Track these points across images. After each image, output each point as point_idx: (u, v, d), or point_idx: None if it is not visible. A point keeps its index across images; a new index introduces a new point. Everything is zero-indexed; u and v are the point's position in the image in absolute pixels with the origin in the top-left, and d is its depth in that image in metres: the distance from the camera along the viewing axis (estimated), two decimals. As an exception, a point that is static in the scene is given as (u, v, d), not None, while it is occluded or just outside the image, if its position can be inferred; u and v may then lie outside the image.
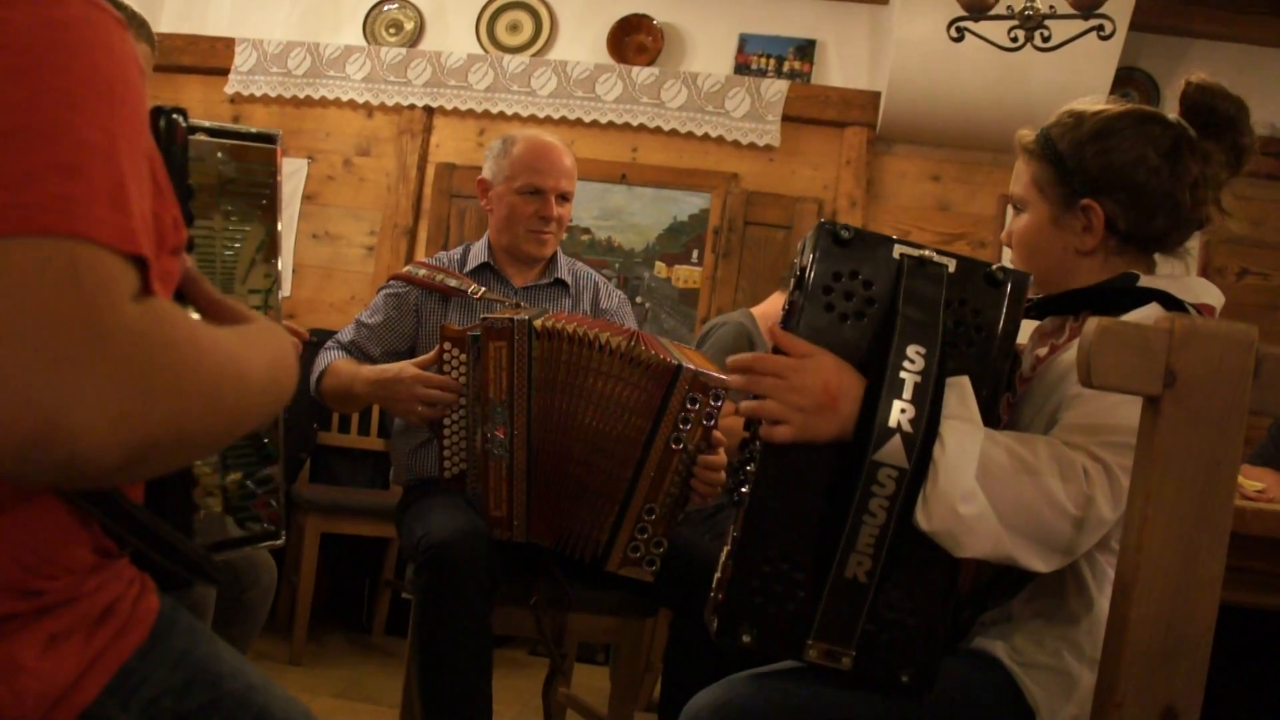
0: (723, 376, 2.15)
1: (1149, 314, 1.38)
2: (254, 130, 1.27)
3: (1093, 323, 1.02)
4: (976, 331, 1.33)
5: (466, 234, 4.62)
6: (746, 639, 1.33)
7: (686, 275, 4.63)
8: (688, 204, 4.65)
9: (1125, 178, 1.47)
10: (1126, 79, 4.35)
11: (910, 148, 4.59)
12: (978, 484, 1.24)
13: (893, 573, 1.29)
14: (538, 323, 2.19)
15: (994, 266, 1.34)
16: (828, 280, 1.34)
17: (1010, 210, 1.61)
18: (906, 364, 1.27)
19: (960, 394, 1.30)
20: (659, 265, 4.64)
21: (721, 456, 2.20)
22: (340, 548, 4.16)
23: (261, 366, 0.82)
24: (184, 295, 0.89)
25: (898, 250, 1.34)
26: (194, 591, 1.54)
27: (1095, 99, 1.54)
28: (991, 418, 1.33)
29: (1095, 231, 1.49)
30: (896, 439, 1.24)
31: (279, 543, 1.32)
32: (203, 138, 1.18)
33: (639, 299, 4.59)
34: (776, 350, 1.36)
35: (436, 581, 2.12)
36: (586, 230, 4.65)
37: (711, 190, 4.61)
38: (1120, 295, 1.44)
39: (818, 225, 1.35)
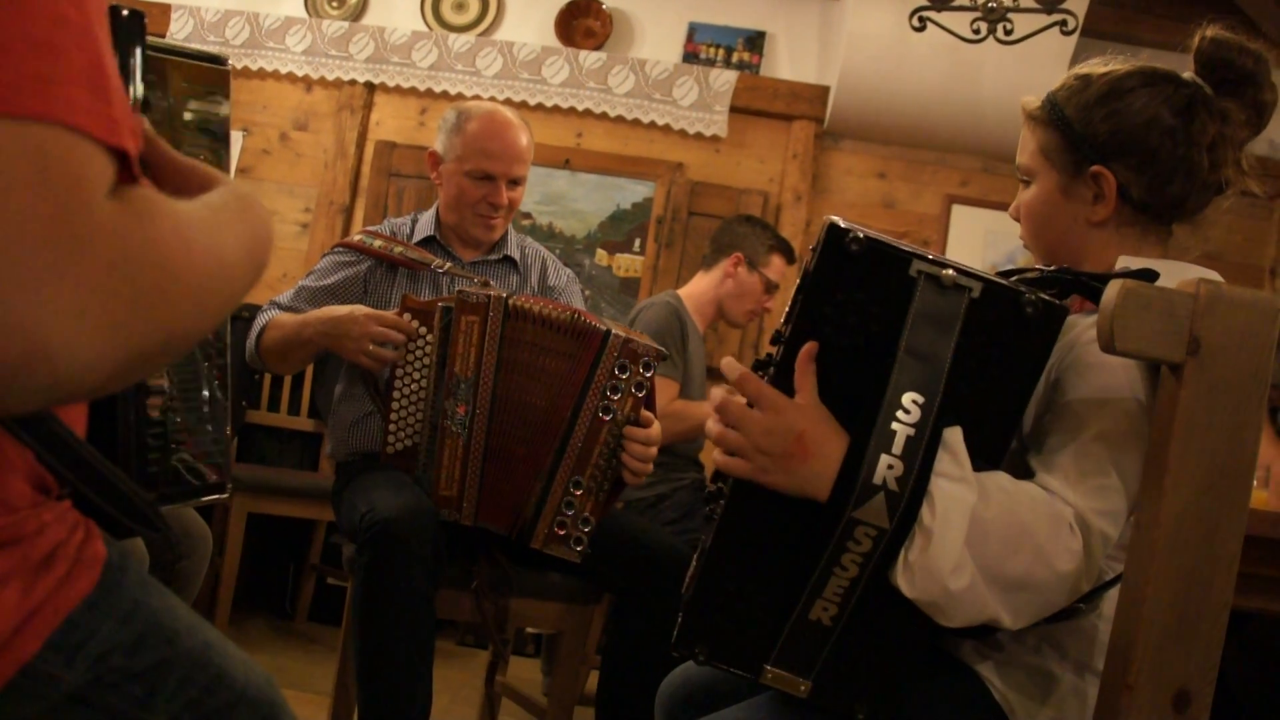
0: (653, 345, 2.10)
1: None
2: (205, 52, 1.18)
3: (1116, 285, 0.98)
4: (997, 367, 1.16)
5: (404, 214, 4.50)
6: (701, 657, 1.26)
7: (628, 264, 4.57)
8: (631, 192, 4.59)
9: (1137, 141, 1.37)
10: (1073, 83, 4.37)
11: (857, 144, 4.58)
12: (967, 553, 1.13)
13: (860, 619, 1.20)
14: (512, 300, 2.12)
15: (1027, 295, 1.15)
16: (824, 302, 1.16)
17: (1020, 186, 1.52)
18: (900, 414, 1.12)
19: (953, 447, 1.16)
20: (600, 253, 4.58)
21: (654, 430, 2.14)
22: (264, 530, 4.03)
23: (241, 247, 0.74)
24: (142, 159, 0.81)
25: (915, 266, 1.14)
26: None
27: (1105, 59, 1.44)
28: (994, 459, 1.21)
29: (1107, 200, 1.39)
30: (879, 498, 1.12)
31: (224, 496, 1.24)
32: (152, 54, 1.09)
33: (579, 287, 4.51)
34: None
35: (380, 560, 2.03)
36: (528, 215, 4.57)
37: (656, 179, 4.55)
38: (1096, 287, 1.35)
39: (829, 226, 1.15)
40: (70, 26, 0.62)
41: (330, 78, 4.62)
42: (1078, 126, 1.40)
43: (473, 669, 3.69)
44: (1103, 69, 1.42)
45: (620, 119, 4.56)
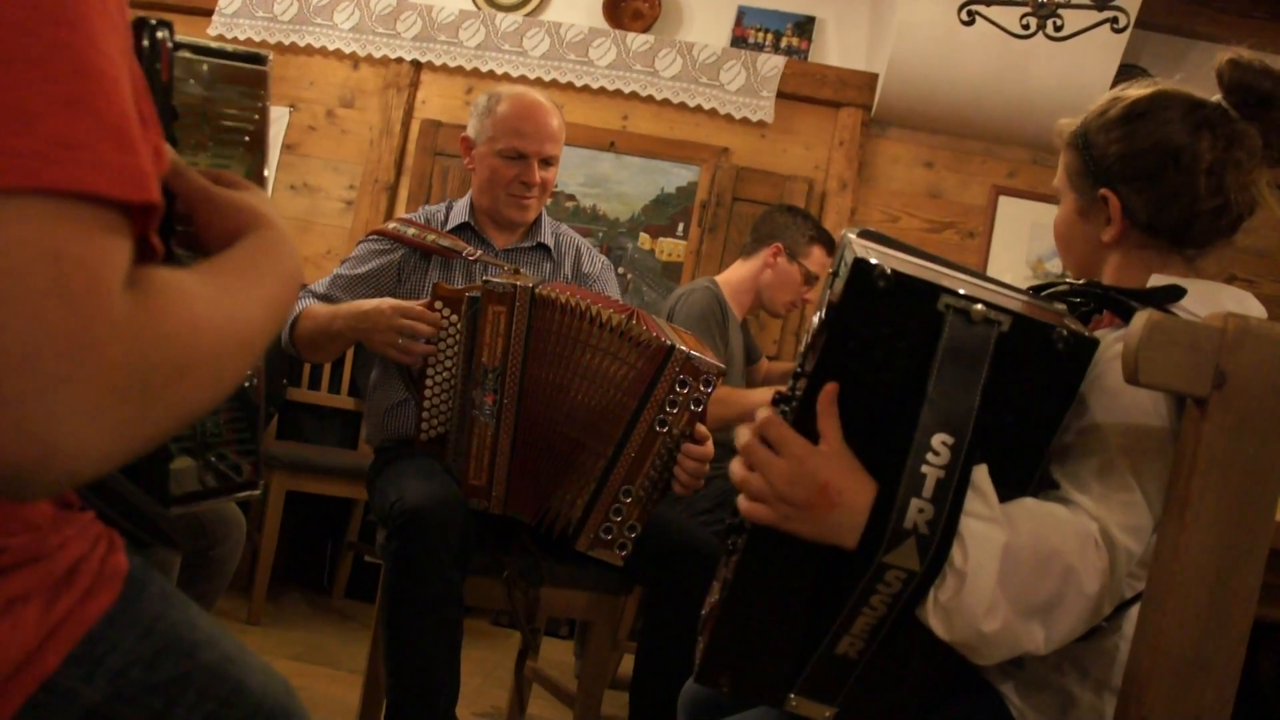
0: (716, 362, 2.09)
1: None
2: (242, 50, 1.17)
3: (1141, 316, 0.96)
4: (1026, 400, 1.15)
5: (449, 193, 4.52)
6: (725, 688, 1.27)
7: (670, 248, 4.55)
8: (676, 176, 4.57)
9: (1140, 164, 1.37)
10: (1127, 76, 4.28)
11: (904, 132, 4.53)
12: (1000, 593, 1.12)
13: (887, 652, 1.20)
14: (539, 291, 2.12)
15: (1057, 329, 1.13)
16: (849, 338, 1.14)
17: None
18: (930, 456, 1.10)
19: (980, 487, 1.15)
20: (643, 237, 4.57)
21: (708, 449, 2.14)
22: (304, 507, 4.08)
23: (267, 309, 0.74)
24: (169, 191, 0.81)
25: (943, 301, 1.12)
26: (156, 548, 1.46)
27: (1147, 82, 1.44)
28: (1021, 488, 1.20)
29: (1114, 223, 1.40)
30: (910, 542, 1.11)
31: (256, 493, 1.25)
32: (186, 55, 1.09)
33: (621, 270, 4.51)
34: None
35: (408, 549, 2.05)
36: (571, 197, 4.57)
37: (701, 163, 4.53)
38: (1124, 303, 1.35)
39: (855, 261, 1.12)
40: (96, 78, 0.62)
41: (377, 55, 4.64)
42: (1094, 150, 1.42)
43: (506, 650, 3.72)
44: (1129, 92, 1.42)
45: (666, 102, 4.54)
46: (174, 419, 0.64)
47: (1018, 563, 1.12)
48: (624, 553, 2.16)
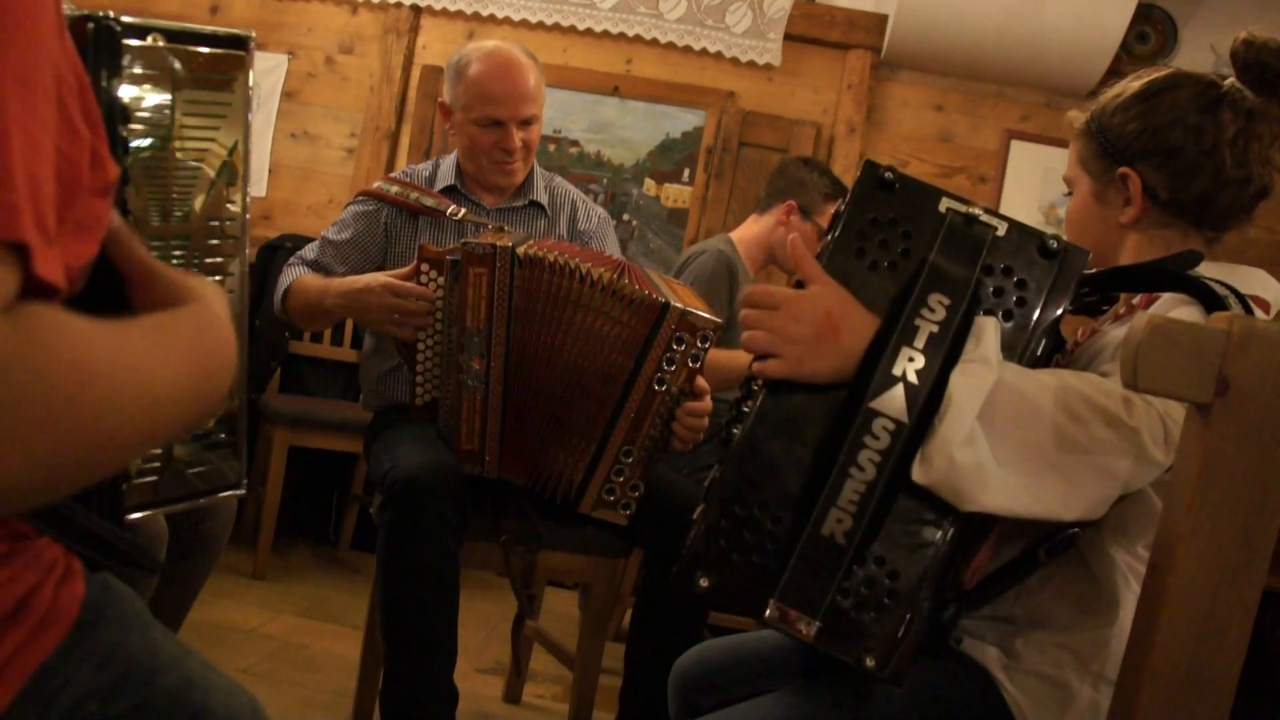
0: (712, 317, 2.04)
1: (1186, 311, 1.26)
2: (220, 32, 1.11)
3: (1142, 318, 0.92)
4: (1017, 305, 1.20)
5: (451, 141, 4.44)
6: (704, 583, 1.19)
7: (676, 194, 4.49)
8: (681, 121, 4.49)
9: (1160, 140, 1.37)
10: (1145, 16, 4.18)
11: (915, 75, 4.43)
12: (979, 425, 1.10)
13: (875, 542, 1.15)
14: (520, 250, 2.07)
15: (1050, 235, 1.21)
16: (863, 224, 1.23)
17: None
18: (925, 311, 1.14)
19: (979, 335, 1.16)
20: (648, 183, 4.50)
21: (706, 403, 2.11)
22: (308, 460, 4.06)
23: (180, 373, 0.69)
24: (111, 258, 0.76)
25: (944, 204, 1.22)
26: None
27: (1153, 69, 1.43)
28: None
29: (1135, 201, 1.39)
30: (899, 389, 1.11)
31: (240, 493, 1.21)
32: (158, 42, 1.03)
33: (626, 216, 4.45)
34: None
35: (403, 518, 2.03)
36: (575, 143, 4.50)
37: (707, 108, 4.44)
38: (1155, 278, 1.33)
39: (865, 161, 1.24)
40: None
41: (376, 0, 4.54)
42: (1109, 132, 1.41)
43: (510, 603, 3.68)
44: (1140, 77, 1.42)
45: (671, 45, 4.44)
46: (43, 473, 0.58)
47: (1007, 405, 1.12)
48: (628, 512, 2.14)
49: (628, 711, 2.28)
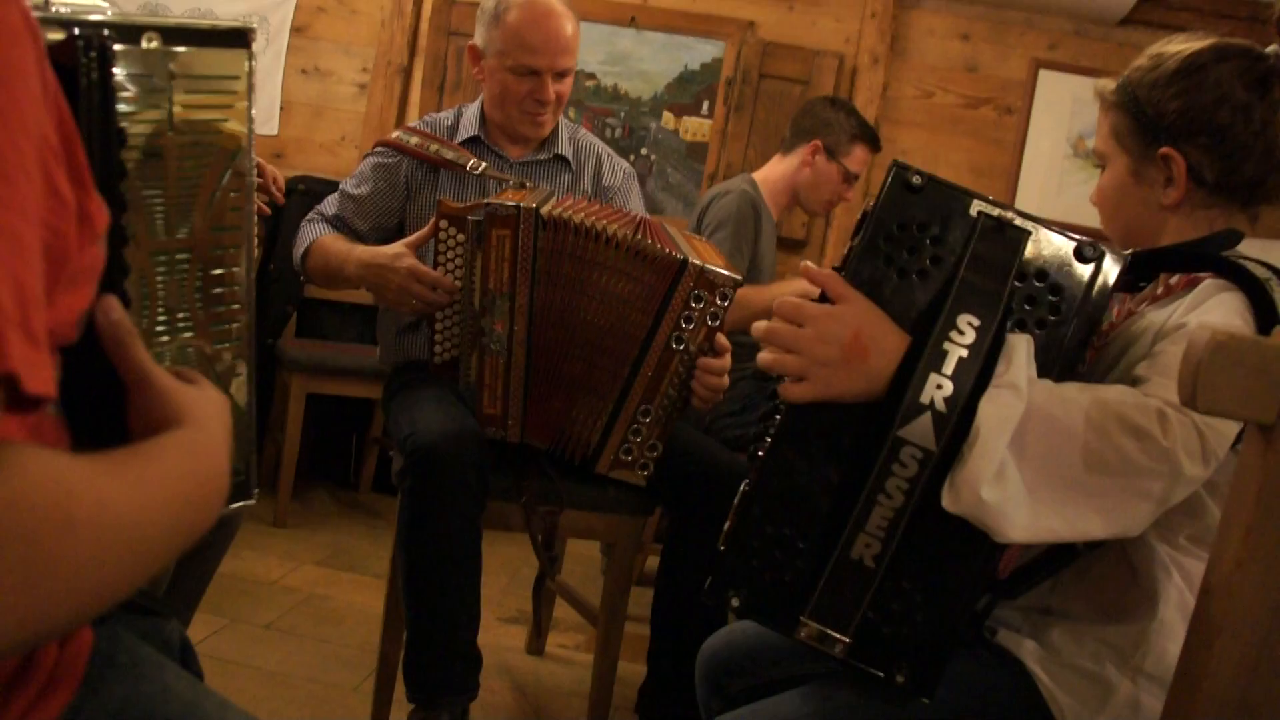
0: (731, 274, 1.99)
1: (1228, 298, 1.21)
2: (220, 27, 1.04)
3: (1204, 333, 0.86)
4: (1051, 312, 1.16)
5: (465, 75, 4.36)
6: (735, 602, 1.20)
7: (695, 128, 4.40)
8: (700, 52, 4.38)
9: (1207, 120, 1.29)
10: (1179, -61, 4.04)
11: (939, 2, 4.30)
12: (1010, 454, 1.08)
13: (905, 562, 1.15)
14: (544, 210, 2.01)
15: (1086, 241, 1.17)
16: (890, 229, 1.18)
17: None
18: (954, 334, 1.11)
19: (1009, 356, 1.12)
20: (667, 116, 4.40)
21: (725, 360, 2.06)
22: (327, 404, 4.04)
23: (168, 511, 0.65)
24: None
25: (975, 207, 1.17)
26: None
27: (1185, 36, 1.35)
28: None
29: (1178, 183, 1.32)
30: (926, 417, 1.09)
31: (251, 502, 1.17)
32: (153, 43, 0.97)
33: (644, 151, 4.37)
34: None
35: (424, 486, 2.00)
36: (591, 76, 4.40)
37: (726, 39, 4.33)
38: (1195, 260, 1.27)
39: (893, 163, 1.19)
40: None
41: (386, -71, 4.43)
42: (1147, 107, 1.33)
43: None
44: (1177, 47, 1.34)
45: (689, -27, 4.33)
46: (27, 631, 0.55)
47: (1045, 427, 1.09)
48: (646, 472, 2.11)
49: (653, 678, 2.27)
